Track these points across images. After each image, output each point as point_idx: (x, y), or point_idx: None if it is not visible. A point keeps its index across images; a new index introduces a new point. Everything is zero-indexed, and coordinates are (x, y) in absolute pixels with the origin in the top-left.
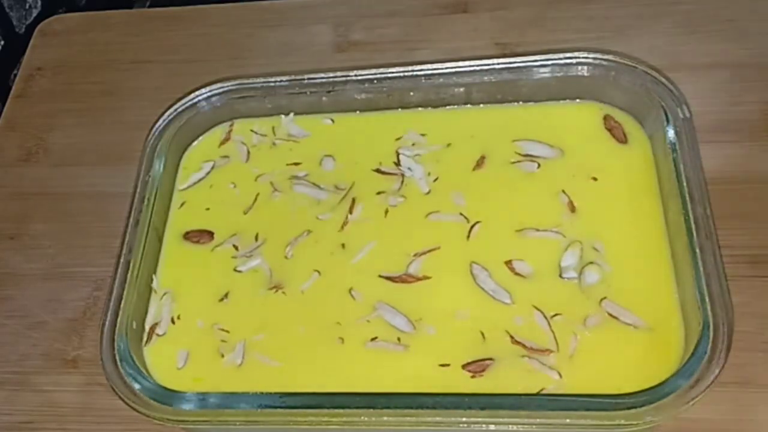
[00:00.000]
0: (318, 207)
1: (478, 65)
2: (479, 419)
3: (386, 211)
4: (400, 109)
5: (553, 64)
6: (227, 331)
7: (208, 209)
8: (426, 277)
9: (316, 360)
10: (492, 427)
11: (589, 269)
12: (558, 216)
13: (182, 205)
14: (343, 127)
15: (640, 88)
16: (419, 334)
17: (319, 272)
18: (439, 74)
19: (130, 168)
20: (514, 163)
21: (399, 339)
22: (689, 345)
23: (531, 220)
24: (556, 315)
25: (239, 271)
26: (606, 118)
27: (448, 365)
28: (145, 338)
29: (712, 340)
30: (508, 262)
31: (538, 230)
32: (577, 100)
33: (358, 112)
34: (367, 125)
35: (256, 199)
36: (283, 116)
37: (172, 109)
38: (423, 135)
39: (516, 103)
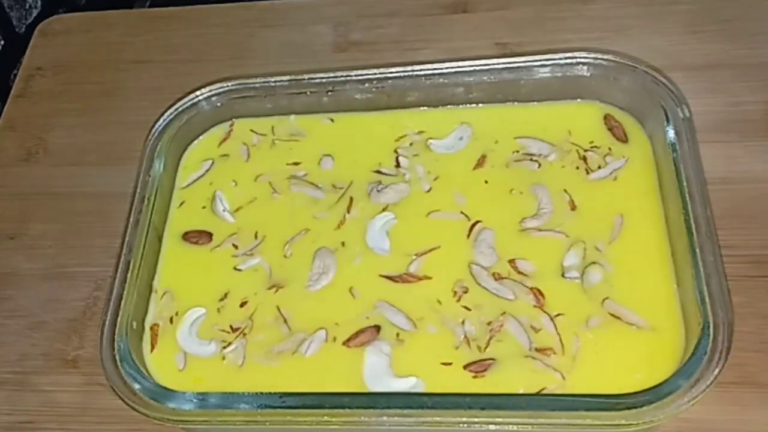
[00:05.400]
0: (316, 206)
1: (478, 65)
2: (479, 419)
3: (384, 209)
4: (399, 109)
5: (553, 64)
6: (227, 332)
7: (204, 207)
8: (427, 277)
9: (316, 360)
10: (492, 427)
11: (592, 269)
12: (559, 215)
13: (182, 204)
14: (343, 126)
15: (640, 88)
16: (420, 333)
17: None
18: (439, 74)
19: (130, 168)
20: (514, 162)
21: (398, 334)
22: (689, 345)
23: (532, 219)
24: (558, 315)
25: (239, 270)
26: (606, 117)
27: (450, 364)
28: (149, 344)
29: (712, 340)
30: (511, 261)
31: (540, 230)
32: (578, 100)
33: (358, 112)
34: (366, 125)
35: (255, 198)
36: (291, 116)
37: (172, 109)
38: (422, 134)
39: (516, 103)
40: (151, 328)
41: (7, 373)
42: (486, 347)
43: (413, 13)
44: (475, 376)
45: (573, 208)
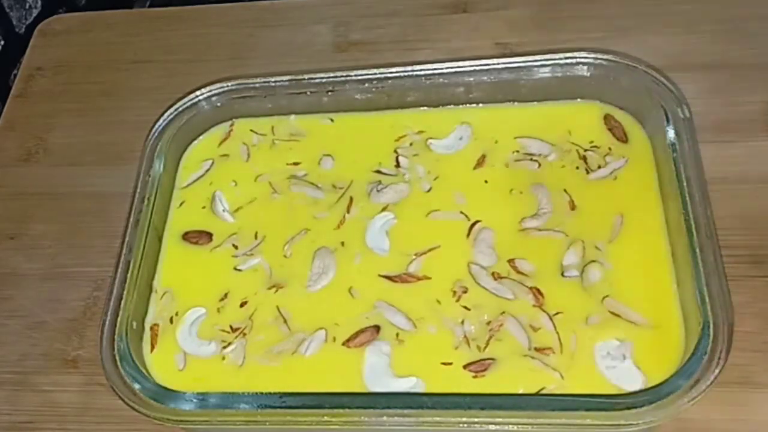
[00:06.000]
0: (316, 206)
1: (478, 65)
2: (479, 419)
3: (384, 209)
4: (399, 109)
5: (553, 64)
6: (227, 332)
7: (204, 207)
8: (426, 277)
9: (316, 360)
10: (492, 427)
11: (591, 267)
12: (559, 215)
13: (182, 204)
14: (343, 126)
15: (640, 88)
16: (420, 333)
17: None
18: (439, 74)
19: (130, 168)
20: (514, 162)
21: (397, 334)
22: (689, 345)
23: (532, 218)
24: (557, 314)
25: (239, 270)
26: (606, 117)
27: (449, 364)
28: (149, 344)
29: (712, 339)
30: (511, 261)
31: (539, 229)
32: (578, 100)
33: (358, 112)
34: (366, 125)
35: (255, 198)
36: (291, 116)
37: (172, 109)
38: (422, 134)
39: (516, 103)
40: (151, 328)
41: (7, 373)
42: (486, 347)
43: (413, 13)
44: (475, 376)
45: (573, 207)
